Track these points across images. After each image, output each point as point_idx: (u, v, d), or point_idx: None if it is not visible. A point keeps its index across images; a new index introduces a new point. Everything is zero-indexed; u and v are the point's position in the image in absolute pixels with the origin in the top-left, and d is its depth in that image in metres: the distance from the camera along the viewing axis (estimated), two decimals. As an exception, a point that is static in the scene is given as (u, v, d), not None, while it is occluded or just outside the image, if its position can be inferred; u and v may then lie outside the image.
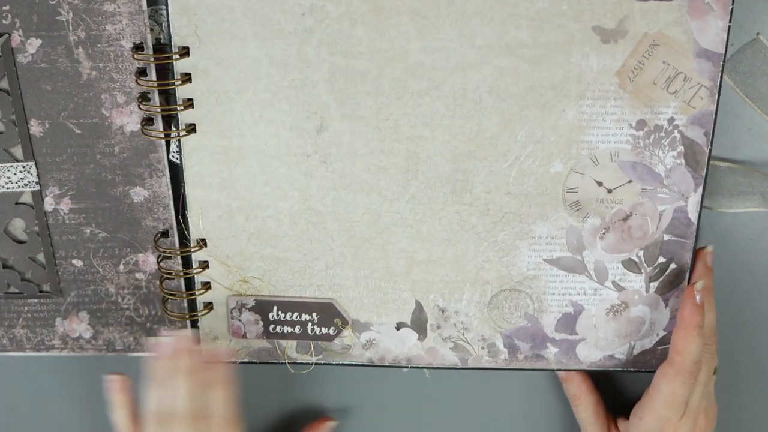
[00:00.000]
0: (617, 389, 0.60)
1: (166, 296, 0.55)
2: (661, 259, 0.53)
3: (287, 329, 0.56)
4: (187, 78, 0.50)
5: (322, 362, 0.57)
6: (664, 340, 0.55)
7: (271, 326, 0.56)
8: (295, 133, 0.51)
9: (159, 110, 0.50)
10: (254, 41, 0.49)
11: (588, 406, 0.55)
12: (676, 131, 0.50)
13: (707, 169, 0.51)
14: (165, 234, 0.54)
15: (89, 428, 0.63)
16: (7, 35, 0.50)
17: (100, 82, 0.51)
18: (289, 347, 0.56)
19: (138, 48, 0.50)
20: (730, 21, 0.47)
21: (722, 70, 0.48)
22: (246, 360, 0.57)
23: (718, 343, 0.55)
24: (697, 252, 0.52)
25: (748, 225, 0.55)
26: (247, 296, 0.55)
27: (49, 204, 0.54)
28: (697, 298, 0.50)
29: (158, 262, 0.55)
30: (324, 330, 0.55)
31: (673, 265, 0.53)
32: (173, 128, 0.51)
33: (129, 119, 0.52)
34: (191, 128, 0.51)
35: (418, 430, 0.61)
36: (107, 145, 0.52)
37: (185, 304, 0.56)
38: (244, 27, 0.49)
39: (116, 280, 0.56)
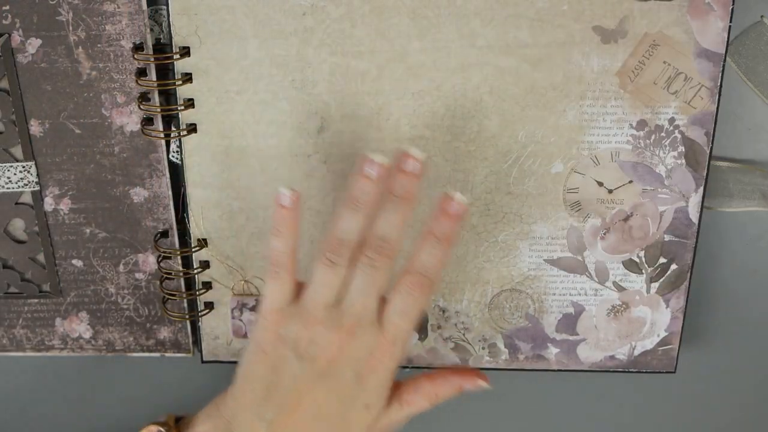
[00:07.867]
0: (617, 390, 0.60)
1: (166, 296, 0.55)
2: (662, 260, 0.53)
3: (287, 329, 0.56)
4: (187, 78, 0.50)
5: (323, 362, 0.57)
6: (665, 341, 0.55)
7: (272, 326, 0.56)
8: (296, 133, 0.51)
9: (159, 110, 0.50)
10: (255, 41, 0.49)
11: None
12: (676, 131, 0.50)
13: (708, 169, 0.51)
14: (165, 234, 0.54)
15: (89, 428, 0.63)
16: (7, 35, 0.50)
17: (100, 82, 0.51)
18: (290, 347, 0.56)
19: (138, 48, 0.50)
20: (730, 21, 0.47)
21: (723, 70, 0.48)
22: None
23: (718, 342, 0.55)
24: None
25: (748, 225, 0.55)
26: (248, 296, 0.55)
27: (49, 204, 0.54)
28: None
29: (158, 262, 0.55)
30: (324, 330, 0.55)
31: (674, 266, 0.53)
32: (173, 128, 0.51)
33: (129, 119, 0.52)
34: (192, 128, 0.51)
35: (417, 431, 0.61)
36: (107, 145, 0.52)
37: (185, 304, 0.56)
38: (245, 27, 0.49)
39: (116, 280, 0.56)
